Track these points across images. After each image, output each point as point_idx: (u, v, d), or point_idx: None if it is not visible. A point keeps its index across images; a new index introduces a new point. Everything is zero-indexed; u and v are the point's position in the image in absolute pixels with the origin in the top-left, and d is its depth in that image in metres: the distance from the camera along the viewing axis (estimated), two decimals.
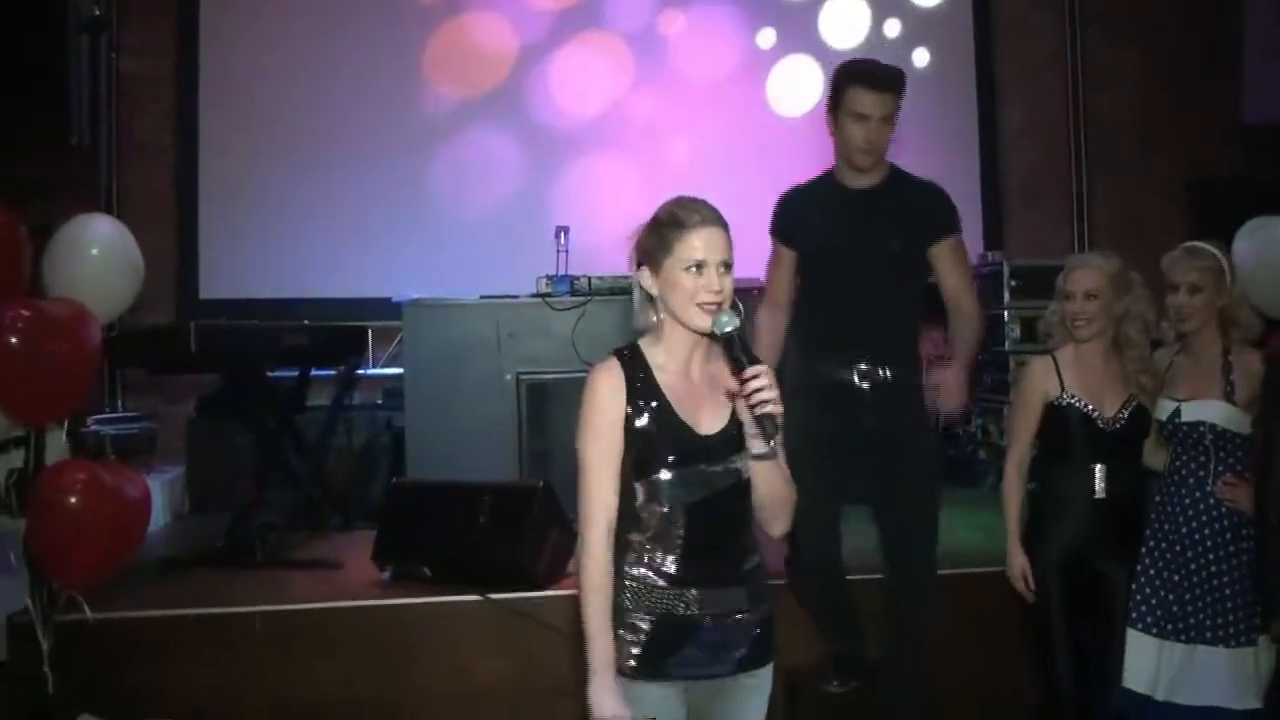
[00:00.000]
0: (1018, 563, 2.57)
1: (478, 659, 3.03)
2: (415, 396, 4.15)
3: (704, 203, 1.78)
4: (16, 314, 2.78)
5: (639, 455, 1.74)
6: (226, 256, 5.08)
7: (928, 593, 2.70)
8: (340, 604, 3.11)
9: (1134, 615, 2.46)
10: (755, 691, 1.82)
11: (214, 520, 3.94)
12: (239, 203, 5.08)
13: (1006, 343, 4.63)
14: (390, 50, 5.21)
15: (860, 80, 2.63)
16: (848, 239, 2.66)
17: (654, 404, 1.75)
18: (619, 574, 1.75)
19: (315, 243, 5.09)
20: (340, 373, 4.37)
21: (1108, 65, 5.56)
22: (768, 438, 1.68)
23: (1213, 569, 2.41)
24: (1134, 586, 2.48)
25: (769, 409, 1.66)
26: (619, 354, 1.79)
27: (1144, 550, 2.49)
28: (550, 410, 4.09)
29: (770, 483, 1.79)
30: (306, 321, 4.21)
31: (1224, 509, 2.41)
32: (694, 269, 1.72)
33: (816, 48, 5.45)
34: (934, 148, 4.71)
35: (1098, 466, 2.47)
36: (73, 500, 2.84)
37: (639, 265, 1.79)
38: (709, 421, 1.77)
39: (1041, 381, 2.54)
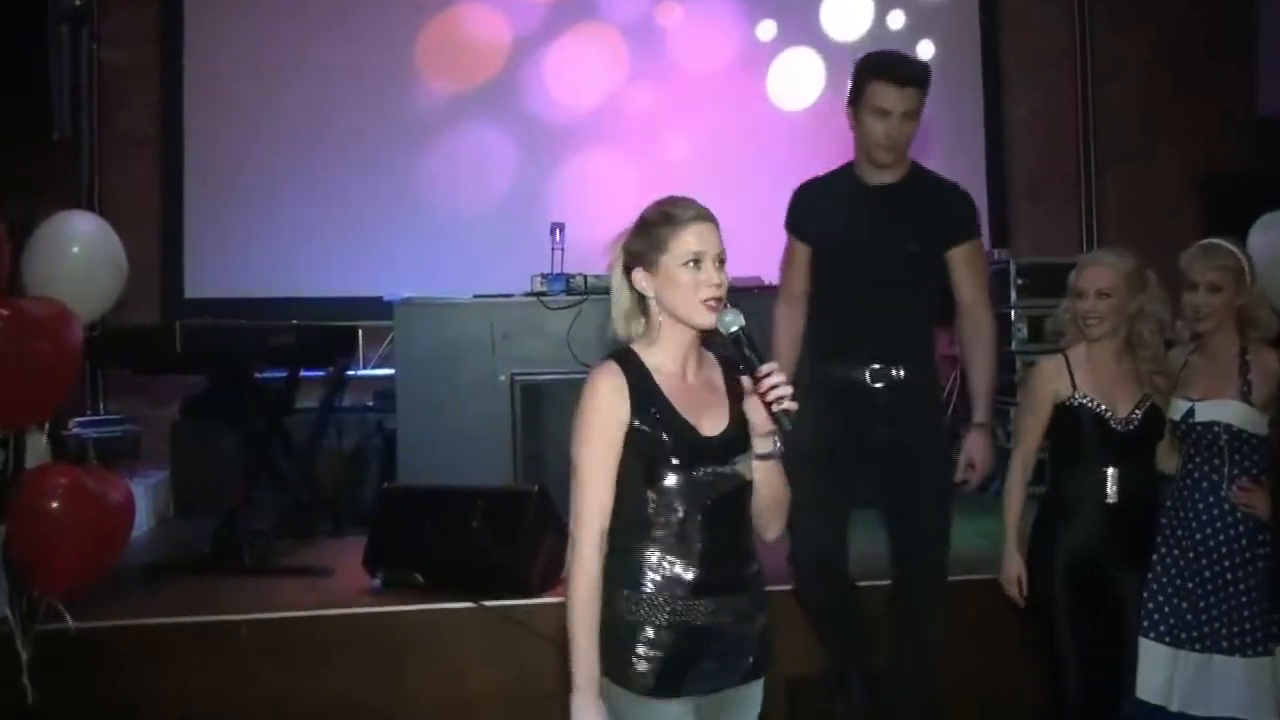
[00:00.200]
0: (1013, 568, 2.56)
1: (471, 667, 3.03)
2: (407, 398, 4.15)
3: (692, 199, 1.79)
4: None
5: (645, 460, 1.73)
6: (212, 254, 5.06)
7: (937, 602, 2.68)
8: (330, 612, 3.10)
9: (1146, 623, 2.45)
10: (753, 702, 1.83)
11: (200, 526, 3.92)
12: (225, 199, 5.06)
13: (1013, 343, 4.62)
14: (381, 42, 5.19)
15: (882, 74, 2.59)
16: (867, 236, 2.63)
17: (657, 406, 1.74)
18: (629, 587, 1.72)
19: (304, 240, 5.07)
20: (330, 374, 4.36)
21: (1117, 56, 5.54)
22: (785, 434, 1.69)
23: (1228, 575, 2.40)
24: (1146, 594, 2.47)
25: (786, 405, 1.68)
26: (616, 356, 1.78)
27: (1156, 556, 2.48)
28: (545, 412, 4.08)
29: (771, 484, 1.80)
30: (295, 321, 4.19)
31: (1239, 513, 2.40)
32: (692, 264, 1.73)
33: (818, 40, 5.44)
34: (938, 142, 4.70)
35: (1110, 469, 2.46)
36: (54, 505, 2.84)
37: (629, 269, 1.78)
38: (710, 423, 1.77)
39: (1052, 381, 2.53)
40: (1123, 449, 2.47)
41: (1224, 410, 2.41)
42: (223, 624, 3.01)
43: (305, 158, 5.08)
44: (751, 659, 1.79)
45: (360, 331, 4.62)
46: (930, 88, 2.63)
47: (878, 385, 2.62)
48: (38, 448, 3.04)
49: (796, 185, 2.81)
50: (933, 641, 2.67)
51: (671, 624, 1.72)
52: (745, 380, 1.74)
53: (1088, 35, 5.57)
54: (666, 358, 1.78)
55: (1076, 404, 2.49)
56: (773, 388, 1.69)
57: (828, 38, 5.44)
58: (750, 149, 5.24)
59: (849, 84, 2.67)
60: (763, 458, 1.77)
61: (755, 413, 1.74)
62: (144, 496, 4.17)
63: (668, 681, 1.72)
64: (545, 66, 5.27)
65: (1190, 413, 2.44)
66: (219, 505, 3.87)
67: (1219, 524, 2.42)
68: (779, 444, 1.76)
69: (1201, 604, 2.41)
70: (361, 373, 4.79)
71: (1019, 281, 4.65)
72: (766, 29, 5.44)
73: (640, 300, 1.79)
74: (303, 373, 4.21)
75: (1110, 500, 2.46)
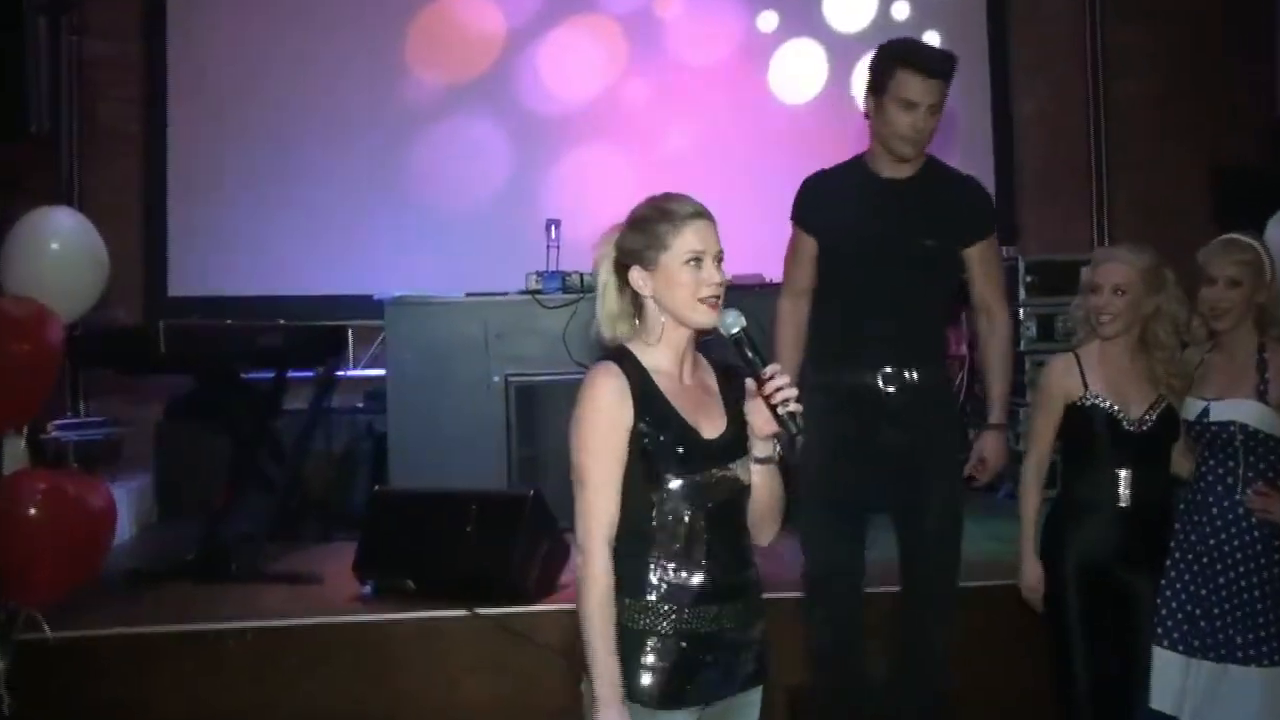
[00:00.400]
0: (1032, 574, 2.55)
1: (465, 677, 3.02)
2: (398, 399, 4.15)
3: (689, 195, 1.79)
4: None
5: (648, 463, 1.73)
6: (197, 251, 5.06)
7: (948, 611, 2.66)
8: (319, 620, 3.09)
9: (1159, 631, 2.45)
10: (753, 710, 1.83)
11: (184, 531, 3.92)
12: (210, 195, 5.06)
13: (1022, 342, 4.63)
14: (371, 33, 5.19)
15: (910, 64, 2.53)
16: (880, 231, 2.59)
17: (658, 408, 1.74)
18: (631, 595, 1.72)
19: (292, 237, 5.07)
20: (318, 375, 4.35)
21: (1128, 50, 5.55)
22: (791, 436, 1.70)
23: (1243, 583, 2.39)
24: (1159, 600, 2.46)
25: (793, 406, 1.68)
26: (612, 357, 1.78)
27: (1169, 562, 2.48)
28: (540, 414, 4.09)
29: (769, 488, 1.81)
30: (282, 321, 4.20)
31: (1255, 517, 2.40)
32: (693, 262, 1.73)
33: (821, 31, 5.45)
34: (945, 137, 4.62)
35: (1122, 472, 2.45)
36: (32, 512, 2.84)
37: (624, 267, 1.77)
38: (709, 426, 1.78)
39: (1063, 380, 2.53)
40: (1136, 451, 2.47)
41: (1240, 410, 2.40)
42: (208, 633, 3.00)
43: (293, 152, 5.08)
44: (752, 666, 1.79)
45: (350, 331, 4.62)
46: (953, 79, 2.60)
47: (890, 389, 2.60)
48: (15, 452, 3.04)
49: (799, 180, 2.78)
50: (941, 651, 2.66)
51: (676, 632, 1.72)
52: (749, 383, 1.74)
53: (1098, 28, 5.57)
54: (664, 359, 1.78)
55: (1088, 404, 2.49)
56: (777, 390, 1.69)
57: (831, 29, 5.45)
58: (751, 143, 5.25)
59: (869, 71, 2.62)
60: (761, 461, 1.78)
61: (757, 416, 1.74)
62: (126, 501, 4.16)
63: (672, 692, 1.72)
64: (540, 58, 5.27)
65: (1205, 412, 2.44)
66: (204, 510, 3.87)
67: (1234, 529, 2.41)
68: (778, 447, 1.77)
69: (1216, 611, 2.40)
70: (351, 373, 4.79)
71: (1028, 279, 4.65)
72: (768, 20, 5.44)
73: (634, 300, 1.79)
74: (290, 374, 4.20)
75: (1123, 504, 2.46)
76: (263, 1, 5.18)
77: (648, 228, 1.75)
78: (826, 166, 2.78)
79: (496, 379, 4.13)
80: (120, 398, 4.88)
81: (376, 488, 3.71)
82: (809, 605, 2.73)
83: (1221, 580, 2.41)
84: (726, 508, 1.77)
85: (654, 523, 1.73)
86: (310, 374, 4.36)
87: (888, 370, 2.60)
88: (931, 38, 5.47)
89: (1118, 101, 5.58)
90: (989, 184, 5.32)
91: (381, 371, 4.40)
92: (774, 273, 3.06)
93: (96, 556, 3.09)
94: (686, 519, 1.73)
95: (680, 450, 1.73)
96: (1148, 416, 2.47)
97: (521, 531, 3.13)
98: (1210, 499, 2.44)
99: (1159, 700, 2.43)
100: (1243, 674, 2.36)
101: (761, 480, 1.79)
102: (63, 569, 2.89)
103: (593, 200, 4.79)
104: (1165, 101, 5.52)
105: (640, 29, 5.33)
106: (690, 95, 5.32)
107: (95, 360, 4.04)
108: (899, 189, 2.63)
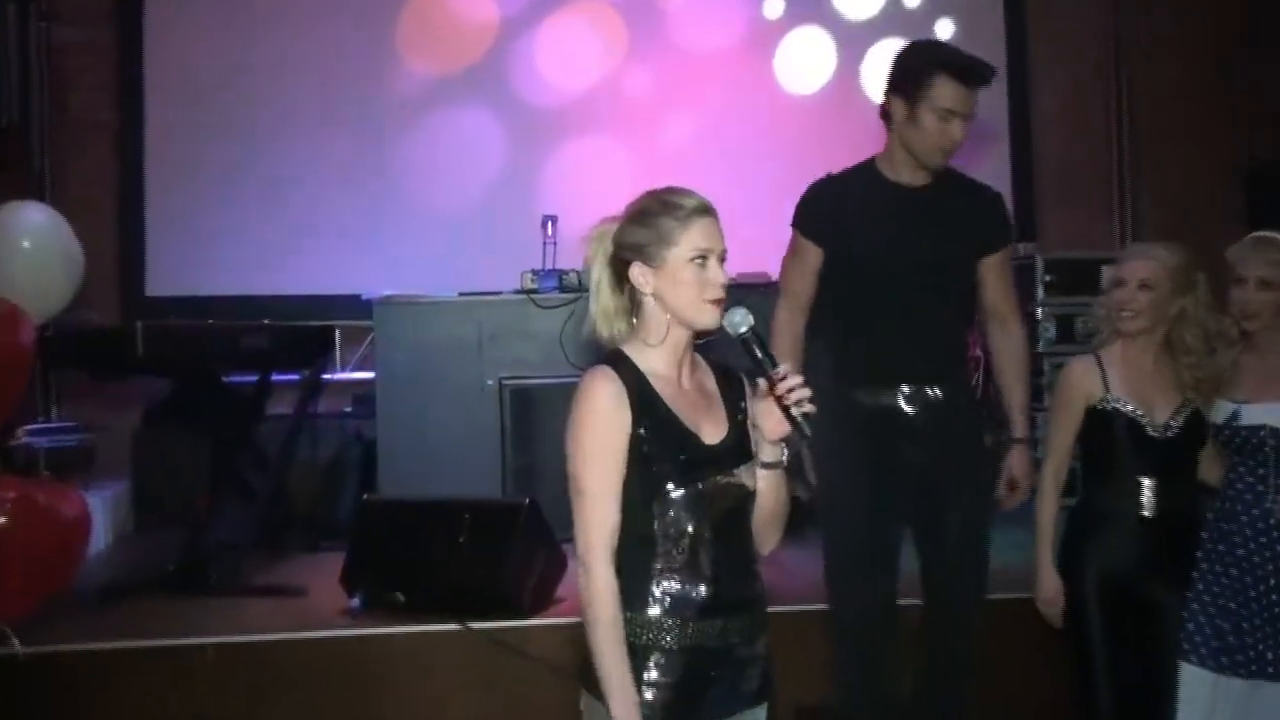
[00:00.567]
0: (1049, 587, 2.54)
1: (456, 694, 3.02)
2: (387, 404, 4.15)
3: (692, 190, 1.77)
4: None
5: (647, 470, 1.72)
6: (175, 249, 5.06)
7: (972, 628, 2.66)
8: (304, 635, 3.09)
9: (1187, 647, 2.44)
10: None
11: (163, 541, 3.92)
12: (189, 188, 5.06)
13: (1040, 343, 4.63)
14: (359, 21, 5.20)
15: (953, 71, 2.50)
16: (899, 241, 2.56)
17: (657, 413, 1.73)
18: (633, 609, 1.71)
19: (276, 233, 5.07)
20: (304, 378, 4.35)
21: (1152, 40, 5.56)
22: (804, 437, 1.70)
23: (1274, 595, 2.38)
24: (1186, 614, 2.46)
25: (807, 407, 1.68)
26: (608, 360, 1.77)
27: (1197, 574, 2.47)
28: (536, 419, 4.09)
29: (775, 494, 1.80)
30: (266, 321, 4.19)
31: None
32: (699, 261, 1.72)
33: (828, 19, 5.46)
34: None
35: (1146, 480, 2.44)
36: (1, 521, 2.82)
37: (624, 263, 1.75)
38: (710, 430, 1.77)
39: (1083, 382, 2.52)
40: (1160, 458, 2.46)
41: (1272, 413, 2.39)
42: (187, 648, 3.00)
43: (276, 145, 5.08)
44: (757, 682, 1.79)
45: (337, 332, 4.62)
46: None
47: (911, 409, 2.59)
48: None
49: (805, 174, 2.74)
50: (967, 668, 2.66)
51: (680, 648, 1.71)
52: (760, 383, 1.73)
53: (1120, 17, 5.58)
54: (661, 361, 1.76)
55: (1109, 407, 2.47)
56: (790, 390, 1.68)
57: (840, 16, 5.46)
58: (756, 135, 5.25)
59: (899, 71, 2.57)
60: (768, 466, 1.77)
61: (767, 418, 1.73)
62: (102, 510, 4.17)
63: (676, 711, 1.71)
64: (536, 47, 5.28)
65: (1235, 415, 2.43)
66: (183, 520, 3.87)
67: (1265, 538, 2.40)
68: (785, 452, 1.76)
69: (1246, 625, 2.39)
70: (338, 376, 4.78)
71: (1046, 278, 4.65)
72: (774, 7, 5.45)
73: (632, 297, 1.77)
74: (275, 377, 4.20)
75: (1146, 514, 2.45)
76: None
77: (653, 222, 1.73)
78: (834, 164, 2.75)
79: (490, 382, 4.14)
80: (95, 402, 4.87)
81: (365, 496, 3.70)
82: (837, 626, 2.73)
83: (1252, 593, 2.40)
84: (732, 516, 1.76)
85: (656, 534, 1.72)
86: (295, 377, 4.36)
87: (908, 390, 2.59)
88: (945, 26, 5.49)
89: (1142, 93, 5.58)
90: (1006, 180, 5.40)
91: (370, 374, 4.40)
92: (778, 271, 3.05)
93: (69, 568, 3.09)
94: (690, 529, 1.72)
95: (681, 457, 1.72)
96: (1172, 422, 2.46)
97: (516, 542, 3.13)
98: (1240, 506, 2.44)
99: (1188, 718, 2.42)
100: (1275, 691, 2.36)
101: (767, 486, 1.79)
102: (33, 580, 2.89)
103: (590, 195, 4.72)
104: (1191, 94, 5.52)
105: (640, 16, 5.34)
106: (693, 85, 5.33)
107: (69, 362, 4.04)
108: (914, 197, 2.61)
